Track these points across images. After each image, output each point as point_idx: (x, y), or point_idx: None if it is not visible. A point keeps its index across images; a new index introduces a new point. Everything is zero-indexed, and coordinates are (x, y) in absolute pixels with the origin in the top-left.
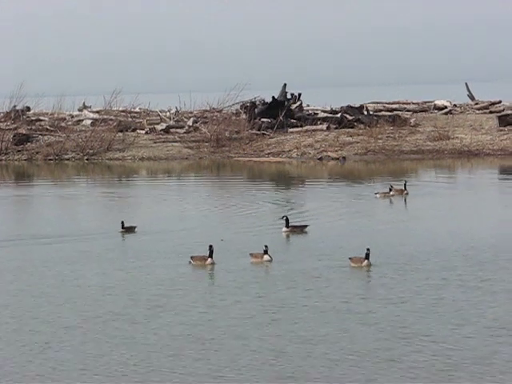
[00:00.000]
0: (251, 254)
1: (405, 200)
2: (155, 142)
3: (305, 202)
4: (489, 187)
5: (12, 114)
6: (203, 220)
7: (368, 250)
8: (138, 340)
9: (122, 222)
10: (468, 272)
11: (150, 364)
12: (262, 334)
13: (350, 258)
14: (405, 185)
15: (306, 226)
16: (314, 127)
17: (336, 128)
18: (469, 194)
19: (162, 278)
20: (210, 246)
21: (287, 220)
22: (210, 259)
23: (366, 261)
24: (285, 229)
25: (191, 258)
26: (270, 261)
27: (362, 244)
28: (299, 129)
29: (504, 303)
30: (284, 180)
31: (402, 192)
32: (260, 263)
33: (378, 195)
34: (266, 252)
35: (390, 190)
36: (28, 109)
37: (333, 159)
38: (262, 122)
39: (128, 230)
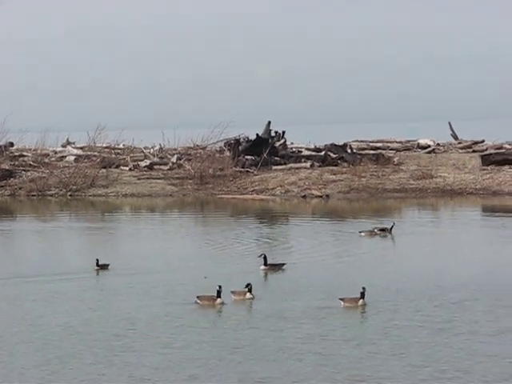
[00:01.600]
0: (233, 292)
1: (393, 238)
2: (139, 179)
3: (287, 240)
4: (471, 226)
5: None
6: (184, 257)
7: (364, 289)
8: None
9: (97, 260)
10: (441, 313)
11: None
12: (211, 375)
13: (341, 299)
14: (391, 227)
15: (283, 264)
16: (298, 165)
17: (320, 166)
18: (452, 234)
19: (127, 317)
20: (219, 287)
21: (265, 258)
22: (219, 299)
23: (361, 300)
24: (263, 267)
25: (198, 297)
26: (253, 299)
27: (342, 283)
28: (283, 166)
29: (465, 346)
30: (267, 217)
31: (384, 231)
32: (242, 301)
33: (362, 233)
34: (249, 290)
35: (374, 230)
36: (11, 144)
37: (316, 197)
38: (246, 159)
39: (102, 267)
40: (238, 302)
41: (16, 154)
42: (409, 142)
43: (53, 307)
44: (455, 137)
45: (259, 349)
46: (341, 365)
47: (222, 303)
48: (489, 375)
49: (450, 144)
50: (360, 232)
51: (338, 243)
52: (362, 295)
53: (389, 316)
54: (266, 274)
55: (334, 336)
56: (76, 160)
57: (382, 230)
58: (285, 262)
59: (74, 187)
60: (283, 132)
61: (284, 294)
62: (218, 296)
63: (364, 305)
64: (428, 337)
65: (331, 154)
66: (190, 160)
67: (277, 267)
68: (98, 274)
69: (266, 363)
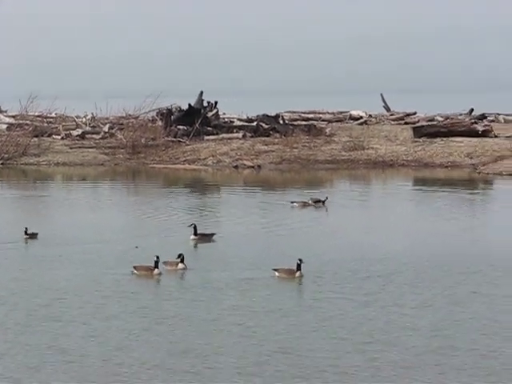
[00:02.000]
0: (165, 262)
1: (325, 210)
2: (71, 148)
3: (218, 210)
4: (401, 199)
5: None
6: (115, 227)
7: (300, 260)
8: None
9: (26, 229)
10: (367, 285)
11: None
12: (136, 345)
13: (275, 270)
14: (324, 200)
15: (213, 234)
16: (230, 135)
17: (252, 137)
18: (382, 206)
19: (54, 287)
20: (157, 257)
21: (195, 228)
22: (156, 270)
23: (298, 272)
24: (193, 236)
25: (134, 267)
26: (185, 269)
27: (272, 253)
28: (215, 137)
29: (389, 319)
30: (199, 187)
31: (319, 203)
32: (174, 271)
33: (295, 204)
34: (181, 261)
35: (308, 201)
36: None
37: (248, 167)
38: (178, 129)
39: (31, 236)
40: (170, 272)
41: None
42: (341, 113)
43: None
44: (387, 108)
45: (185, 319)
46: (263, 336)
47: (160, 274)
48: (412, 348)
49: (382, 116)
50: (292, 202)
51: (269, 214)
52: (299, 267)
53: (315, 288)
54: (196, 244)
55: (259, 307)
56: (8, 128)
57: (317, 201)
58: (214, 232)
59: (6, 156)
60: (215, 102)
61: (213, 265)
62: (156, 266)
63: (301, 276)
64: (353, 310)
65: (263, 125)
66: (122, 129)
67: (207, 237)
68: (26, 243)
69: (191, 334)
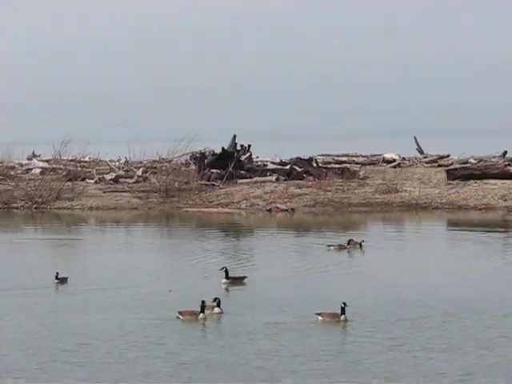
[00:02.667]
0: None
1: (360, 253)
2: (104, 192)
3: (252, 253)
4: (436, 241)
5: None
6: (148, 271)
7: (344, 304)
8: None
9: (57, 273)
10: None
11: None
12: None
13: (318, 314)
14: (361, 243)
15: (244, 277)
16: (264, 178)
17: (285, 180)
18: (416, 248)
19: (75, 331)
20: (203, 302)
21: (227, 271)
22: (201, 314)
23: (343, 316)
24: (224, 280)
25: (180, 312)
26: (221, 313)
27: (305, 296)
28: (248, 180)
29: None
30: (232, 230)
31: (357, 245)
32: (210, 315)
33: (331, 248)
34: (217, 305)
35: (349, 243)
36: None
37: (282, 211)
38: (212, 172)
39: (62, 280)
40: (207, 316)
41: None
42: (374, 156)
43: (1, 322)
44: (421, 151)
45: (210, 364)
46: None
47: (205, 318)
48: None
49: (416, 158)
50: (328, 246)
51: (303, 257)
52: (343, 310)
53: (344, 331)
54: (227, 288)
55: (287, 352)
56: (42, 173)
57: (354, 243)
58: (246, 275)
59: (40, 200)
60: (249, 146)
61: (244, 309)
62: (202, 311)
63: (346, 320)
64: (379, 354)
65: (297, 168)
66: (155, 173)
67: (238, 281)
68: (57, 288)
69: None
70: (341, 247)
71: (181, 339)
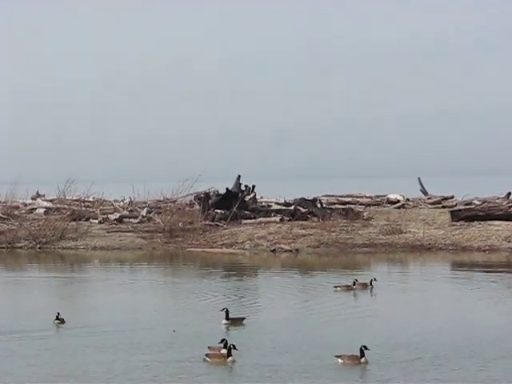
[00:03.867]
0: (209, 347)
1: (364, 294)
2: (108, 232)
3: (255, 293)
4: (440, 282)
5: None
6: (151, 311)
7: (364, 347)
8: None
9: (58, 313)
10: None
11: None
12: None
13: (338, 356)
14: (371, 281)
15: (243, 318)
16: (268, 219)
17: (289, 220)
18: (421, 290)
19: (71, 374)
20: (232, 345)
21: (227, 312)
22: (230, 357)
23: (363, 358)
24: (225, 321)
25: (207, 355)
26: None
27: (307, 339)
28: (253, 220)
29: None
30: (236, 271)
31: (365, 286)
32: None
33: (338, 288)
34: (224, 346)
35: (354, 283)
36: None
37: (286, 251)
38: (216, 213)
39: (62, 321)
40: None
41: None
42: (378, 197)
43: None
44: (425, 192)
45: None
46: None
47: (234, 361)
48: None
49: (420, 199)
50: (335, 287)
51: (307, 297)
52: (363, 353)
53: (351, 377)
54: (227, 328)
55: None
56: (46, 212)
57: (362, 284)
58: (245, 316)
59: (44, 240)
60: (253, 186)
61: (243, 350)
62: (229, 354)
63: (366, 363)
64: None
65: (301, 209)
66: (159, 213)
67: (238, 321)
68: (57, 328)
69: None
70: (348, 288)
71: (185, 380)
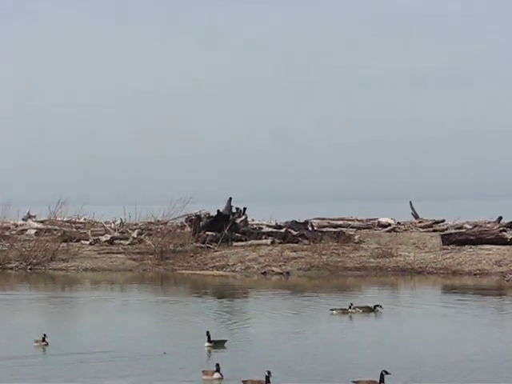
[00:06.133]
0: (203, 371)
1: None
2: (99, 253)
3: (245, 315)
4: (431, 306)
5: None
6: (141, 333)
7: (385, 372)
8: None
9: (44, 335)
10: None
11: None
12: None
13: (355, 382)
14: (375, 306)
15: (225, 340)
16: (259, 242)
17: (280, 243)
18: (412, 314)
19: None
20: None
21: (208, 334)
22: (216, 374)
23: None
24: (207, 344)
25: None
26: (221, 379)
27: (286, 360)
28: (244, 243)
29: None
30: (226, 293)
31: (369, 310)
32: (210, 381)
33: (334, 312)
34: (217, 370)
35: (350, 307)
36: None
37: (277, 274)
38: (207, 235)
39: (47, 343)
40: (207, 382)
41: None
42: (369, 220)
43: None
44: (416, 216)
45: None
46: None
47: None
48: None
49: (411, 223)
50: (331, 310)
51: (293, 320)
52: (382, 378)
53: None
54: (209, 351)
55: None
56: (37, 233)
57: (366, 308)
58: (226, 338)
59: (35, 261)
60: (244, 208)
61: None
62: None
63: None
64: None
65: (292, 231)
66: (150, 235)
67: (220, 344)
68: (44, 351)
69: None
70: (343, 311)
71: None
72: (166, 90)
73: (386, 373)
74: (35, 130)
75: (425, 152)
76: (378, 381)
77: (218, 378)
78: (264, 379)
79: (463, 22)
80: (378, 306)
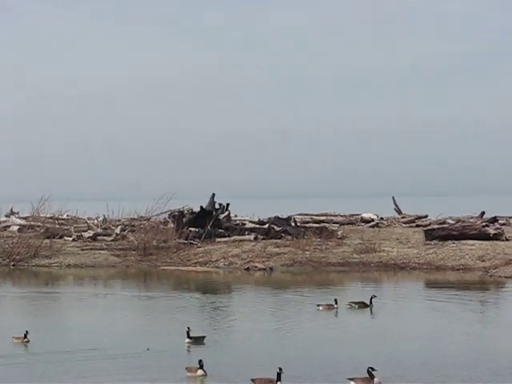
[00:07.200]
0: (187, 368)
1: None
2: (82, 250)
3: (227, 311)
4: (413, 301)
5: None
6: (123, 329)
7: (371, 368)
8: None
9: (26, 332)
10: None
11: None
12: None
13: (350, 379)
14: (371, 299)
15: (204, 336)
16: (242, 237)
17: (263, 239)
18: (394, 310)
19: None
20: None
21: (188, 331)
22: (200, 370)
23: (376, 379)
24: (187, 340)
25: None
26: (204, 375)
27: (276, 359)
28: (227, 239)
29: None
30: (209, 289)
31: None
32: (194, 378)
33: (320, 307)
34: (201, 367)
35: (336, 301)
36: None
37: (260, 270)
38: (190, 231)
39: (28, 341)
40: (190, 378)
41: None
42: (352, 215)
43: None
44: (399, 211)
45: None
46: None
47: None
48: None
49: (394, 218)
50: (318, 305)
51: (276, 316)
52: (371, 375)
53: None
54: (189, 347)
55: None
56: (20, 230)
57: (361, 303)
58: (205, 335)
59: (18, 257)
60: (227, 204)
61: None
62: (279, 379)
63: None
64: None
65: (275, 227)
66: (133, 231)
67: (199, 340)
68: (26, 347)
69: None
70: (329, 306)
71: None
72: (166, 89)
73: (373, 369)
74: (23, 126)
75: (409, 147)
76: (370, 377)
77: (202, 375)
78: (275, 377)
79: (463, 21)
80: (374, 296)
